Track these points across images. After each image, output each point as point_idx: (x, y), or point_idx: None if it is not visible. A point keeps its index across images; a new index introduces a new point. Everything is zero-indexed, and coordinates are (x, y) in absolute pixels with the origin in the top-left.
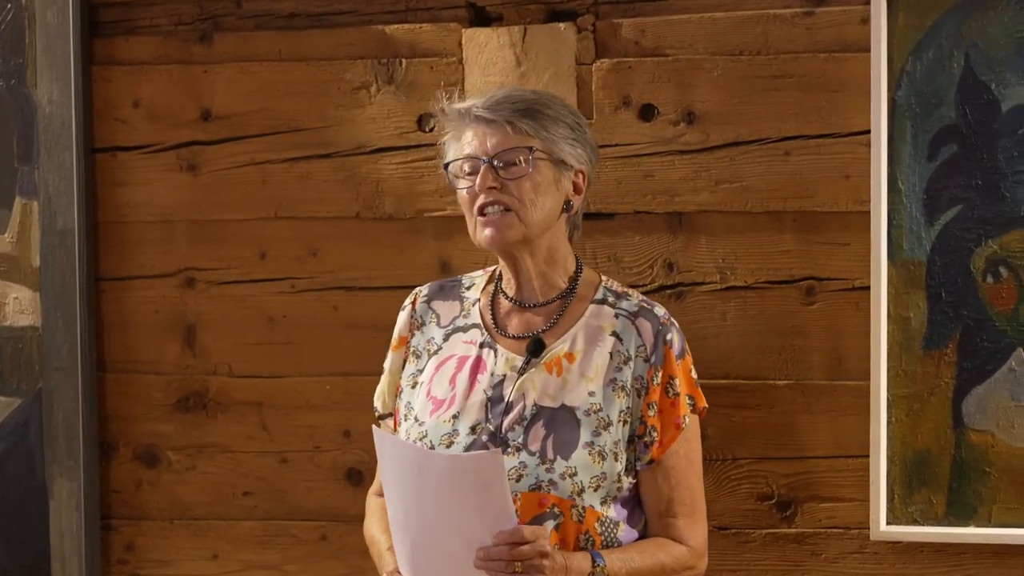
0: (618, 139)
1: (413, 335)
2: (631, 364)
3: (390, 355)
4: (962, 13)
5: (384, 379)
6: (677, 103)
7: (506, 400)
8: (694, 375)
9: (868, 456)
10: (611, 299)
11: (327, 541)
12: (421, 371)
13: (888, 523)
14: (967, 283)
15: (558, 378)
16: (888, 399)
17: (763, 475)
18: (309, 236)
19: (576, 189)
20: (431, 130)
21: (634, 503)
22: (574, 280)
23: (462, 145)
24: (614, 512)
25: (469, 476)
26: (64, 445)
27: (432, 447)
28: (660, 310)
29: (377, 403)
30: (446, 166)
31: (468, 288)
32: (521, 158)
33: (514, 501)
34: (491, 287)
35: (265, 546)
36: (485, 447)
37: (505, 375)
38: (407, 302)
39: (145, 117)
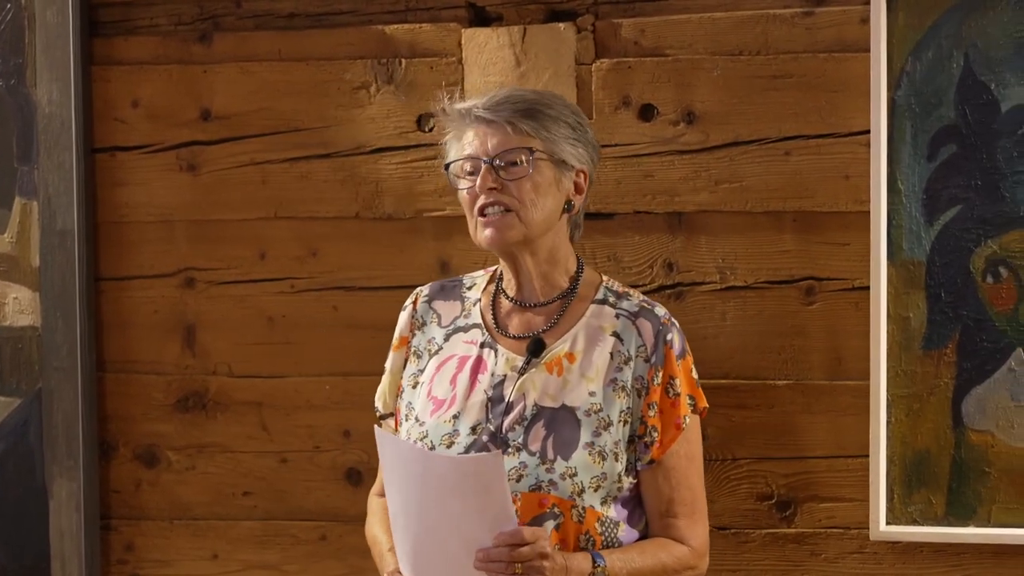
0: (618, 139)
1: (414, 335)
2: (631, 364)
3: (391, 355)
4: (961, 13)
5: (385, 379)
6: (677, 103)
7: (506, 400)
8: (695, 375)
9: (868, 456)
10: (612, 299)
11: (327, 541)
12: (422, 371)
13: (888, 523)
14: (967, 283)
15: (558, 378)
16: (888, 399)
17: (763, 475)
18: (309, 236)
19: (577, 189)
20: (431, 130)
21: (635, 503)
22: (575, 280)
23: (463, 145)
24: (614, 512)
25: (469, 477)
26: (64, 445)
27: (433, 447)
28: (661, 310)
29: (378, 403)
30: (447, 166)
31: (469, 288)
32: (522, 159)
33: (514, 501)
34: (492, 287)
35: (265, 546)
36: (485, 447)
37: (506, 375)
38: (408, 302)
39: (145, 117)
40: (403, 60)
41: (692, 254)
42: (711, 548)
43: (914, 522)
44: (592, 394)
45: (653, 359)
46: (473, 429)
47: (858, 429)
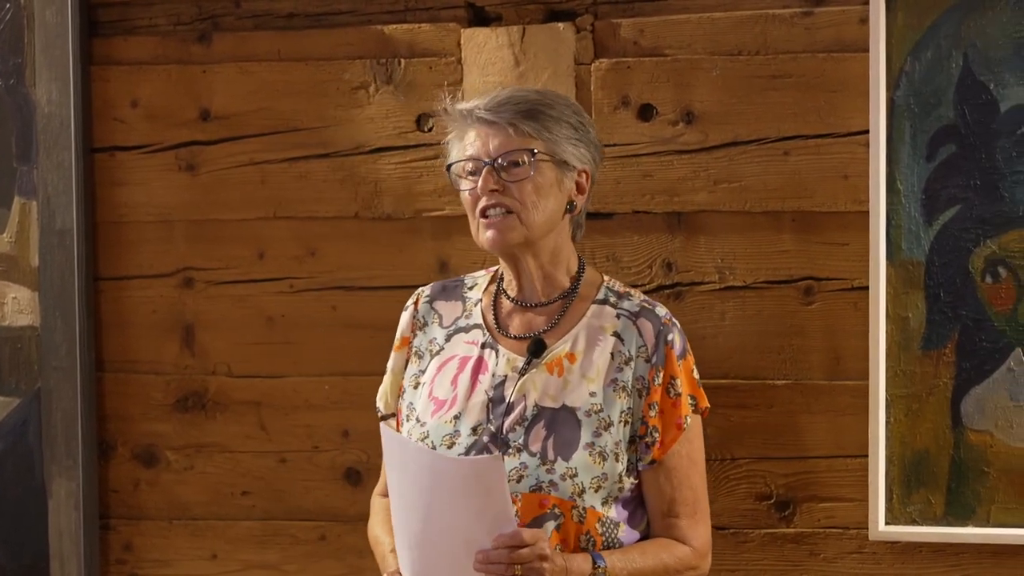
0: (617, 139)
1: (415, 335)
2: (632, 364)
3: (392, 355)
4: (961, 13)
5: (386, 379)
6: (676, 103)
7: (507, 401)
8: (696, 375)
9: (867, 456)
10: (613, 299)
11: (326, 541)
12: (423, 371)
13: (887, 523)
14: (966, 283)
15: (559, 379)
16: (887, 399)
17: (762, 475)
18: (308, 236)
19: (579, 189)
20: (430, 130)
21: (636, 504)
22: (576, 280)
23: (464, 146)
24: (615, 513)
25: (470, 479)
26: (63, 445)
27: (433, 447)
28: (662, 310)
29: (380, 403)
30: (448, 167)
31: (470, 288)
32: (523, 159)
33: (515, 502)
34: (493, 287)
35: (264, 546)
36: (486, 448)
37: (506, 376)
38: (409, 302)
39: (144, 117)
40: (402, 60)
41: (691, 254)
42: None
43: (913, 522)
44: (593, 394)
45: (654, 359)
46: (474, 430)
47: (857, 429)
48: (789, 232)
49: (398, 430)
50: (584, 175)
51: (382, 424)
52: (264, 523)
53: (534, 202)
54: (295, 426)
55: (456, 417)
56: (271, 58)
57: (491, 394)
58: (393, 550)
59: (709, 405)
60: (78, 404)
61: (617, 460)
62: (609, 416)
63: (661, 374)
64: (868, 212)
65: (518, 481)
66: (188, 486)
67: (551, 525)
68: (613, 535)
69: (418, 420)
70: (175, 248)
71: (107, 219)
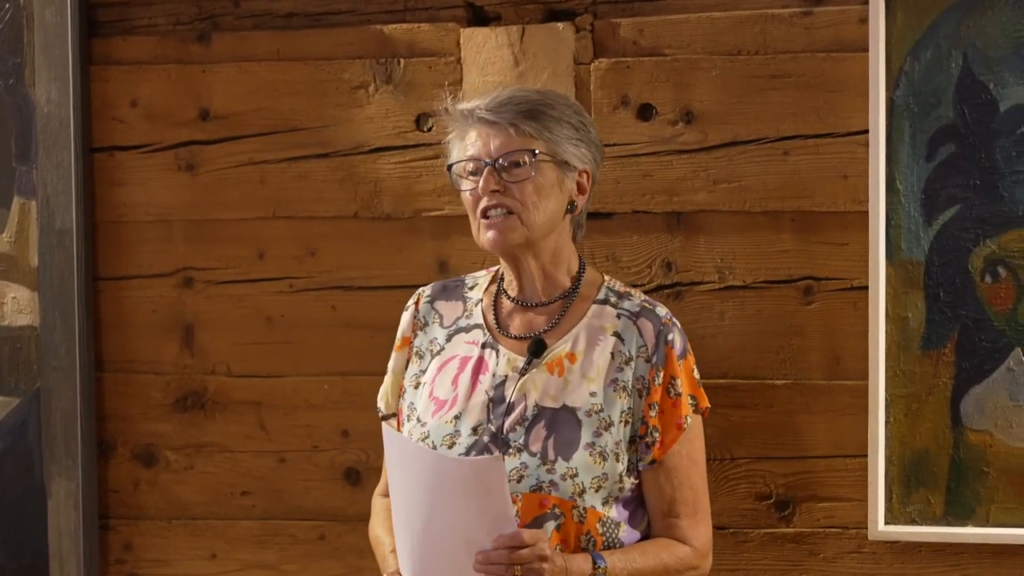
0: (616, 139)
1: (416, 335)
2: (632, 364)
3: (393, 355)
4: (960, 13)
5: (387, 379)
6: (675, 103)
7: (507, 401)
8: (697, 375)
9: (866, 456)
10: (613, 299)
11: (325, 541)
12: (424, 371)
13: (886, 523)
14: (965, 283)
15: (559, 379)
16: (886, 399)
17: (761, 475)
18: (307, 236)
19: (580, 189)
20: (429, 130)
21: (636, 504)
22: (577, 280)
23: (466, 146)
24: (616, 513)
25: (470, 479)
26: (62, 445)
27: (434, 447)
28: (662, 310)
29: (380, 403)
30: (449, 167)
31: (471, 288)
32: (524, 160)
33: (515, 502)
34: (494, 287)
35: (263, 546)
36: (486, 448)
37: (507, 376)
38: (410, 302)
39: (143, 117)
40: (401, 60)
41: (690, 254)
42: None
43: (912, 522)
44: (593, 394)
45: (654, 359)
46: (474, 430)
47: (857, 429)
48: (789, 232)
49: (399, 430)
50: (585, 175)
51: (383, 424)
52: (263, 523)
53: (535, 202)
54: (295, 426)
55: (457, 417)
56: (270, 58)
57: (491, 394)
58: (394, 550)
59: (709, 405)
60: (77, 404)
61: (617, 460)
62: (609, 416)
63: (661, 374)
64: (868, 212)
65: (518, 481)
66: (188, 486)
67: (551, 525)
68: (614, 535)
69: (419, 420)
70: (174, 248)
71: (106, 219)
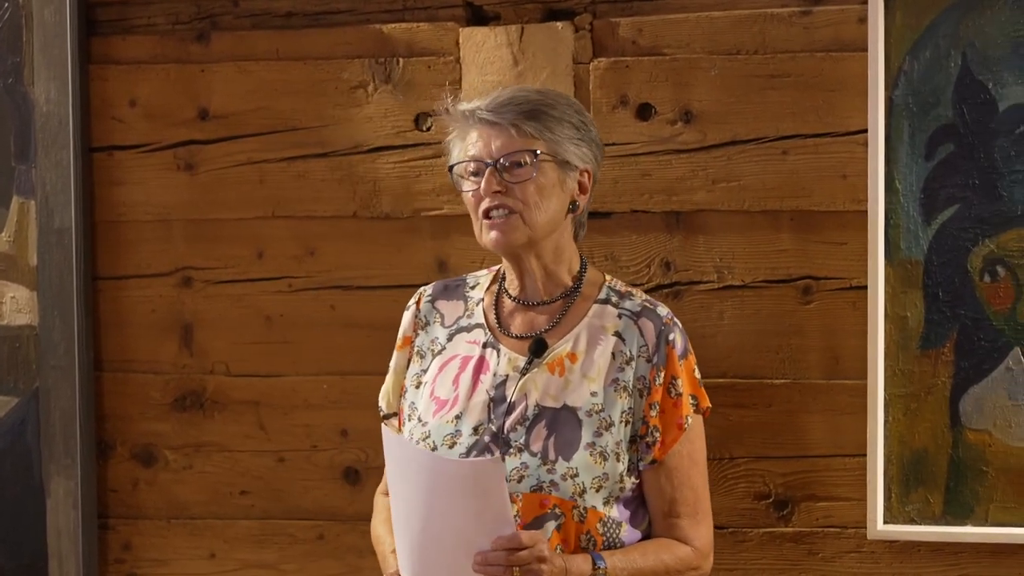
0: (615, 138)
1: (417, 335)
2: (633, 364)
3: (395, 354)
4: (959, 12)
5: (389, 379)
6: (674, 102)
7: (508, 400)
8: (697, 375)
9: (865, 455)
10: (614, 299)
11: (324, 540)
12: (425, 371)
13: (885, 522)
14: (964, 282)
15: (560, 378)
16: (885, 398)
17: (760, 474)
18: (306, 235)
19: (581, 189)
20: (428, 129)
21: (637, 504)
22: (578, 279)
23: (467, 146)
24: (616, 513)
25: (469, 481)
26: (61, 444)
27: (435, 447)
28: (663, 310)
29: (382, 403)
30: (451, 168)
31: (472, 288)
32: (526, 160)
33: (515, 502)
34: (495, 287)
35: (262, 545)
36: (487, 448)
37: (508, 375)
38: (411, 302)
39: (142, 116)
40: (401, 59)
41: (689, 253)
42: None
43: (911, 521)
44: (594, 394)
45: (655, 359)
46: (475, 429)
47: (855, 428)
48: (787, 231)
49: (400, 429)
50: (586, 174)
51: (383, 425)
52: (262, 522)
53: (537, 203)
54: (293, 425)
55: (457, 417)
56: (269, 57)
57: (492, 394)
58: (394, 550)
59: (710, 405)
60: (76, 403)
61: (618, 460)
62: (610, 416)
63: (662, 374)
64: (867, 211)
65: (519, 481)
66: (186, 485)
67: (552, 525)
68: (615, 535)
69: (420, 420)
70: (173, 247)
71: (105, 218)
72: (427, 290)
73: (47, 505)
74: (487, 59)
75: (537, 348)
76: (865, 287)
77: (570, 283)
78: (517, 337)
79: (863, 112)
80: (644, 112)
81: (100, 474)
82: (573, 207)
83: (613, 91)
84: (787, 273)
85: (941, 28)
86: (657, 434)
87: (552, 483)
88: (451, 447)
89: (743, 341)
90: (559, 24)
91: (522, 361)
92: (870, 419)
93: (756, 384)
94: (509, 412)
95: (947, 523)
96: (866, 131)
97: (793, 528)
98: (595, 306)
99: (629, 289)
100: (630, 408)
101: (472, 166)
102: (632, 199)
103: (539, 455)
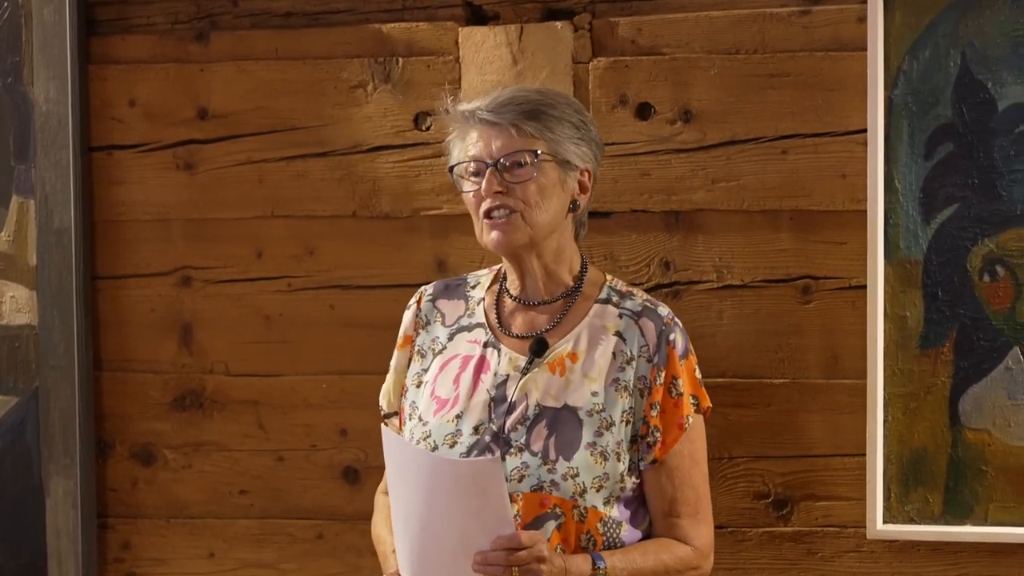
0: (615, 138)
1: (418, 334)
2: (634, 364)
3: (395, 354)
4: (958, 12)
5: (389, 378)
6: (674, 102)
7: (509, 400)
8: (698, 375)
9: (864, 455)
10: (615, 299)
11: (323, 540)
12: (426, 370)
13: (884, 522)
14: (964, 282)
15: (561, 378)
16: (884, 398)
17: (759, 474)
18: (305, 235)
19: (582, 188)
20: (428, 129)
21: (638, 503)
22: (579, 279)
23: (467, 146)
24: (617, 512)
25: (468, 481)
26: (60, 443)
27: (436, 447)
28: (664, 310)
29: (382, 402)
30: (451, 168)
31: (473, 287)
32: (526, 160)
33: (516, 501)
34: (496, 286)
35: (261, 545)
36: (488, 447)
37: (508, 375)
38: (412, 301)
39: (141, 116)
40: (400, 59)
41: (689, 253)
42: None
43: (911, 521)
44: (594, 394)
45: (656, 359)
46: (476, 429)
47: (855, 428)
48: (787, 231)
49: (400, 429)
50: (587, 174)
51: (382, 425)
52: (262, 522)
53: (538, 202)
54: (293, 425)
55: (458, 416)
56: (269, 57)
57: (493, 393)
58: (395, 550)
59: (711, 405)
60: (76, 403)
61: (619, 460)
62: (611, 416)
63: (663, 374)
64: (866, 211)
65: (519, 481)
66: (186, 485)
67: (552, 525)
68: (615, 535)
69: (420, 419)
70: (173, 247)
71: (105, 218)
72: (428, 289)
73: (46, 504)
74: (486, 59)
75: (538, 348)
76: (864, 287)
77: (571, 283)
78: (518, 337)
79: (862, 112)
80: (643, 111)
81: (99, 473)
82: (574, 207)
83: (612, 90)
84: (786, 273)
85: (940, 28)
86: (658, 434)
87: (553, 483)
88: (452, 446)
89: (742, 341)
90: (558, 24)
91: (523, 361)
92: (869, 419)
93: (755, 384)
94: (510, 412)
95: (946, 523)
96: (865, 131)
97: (792, 528)
98: (596, 306)
99: (630, 289)
100: (631, 408)
101: (473, 166)
102: (631, 199)
103: (540, 455)
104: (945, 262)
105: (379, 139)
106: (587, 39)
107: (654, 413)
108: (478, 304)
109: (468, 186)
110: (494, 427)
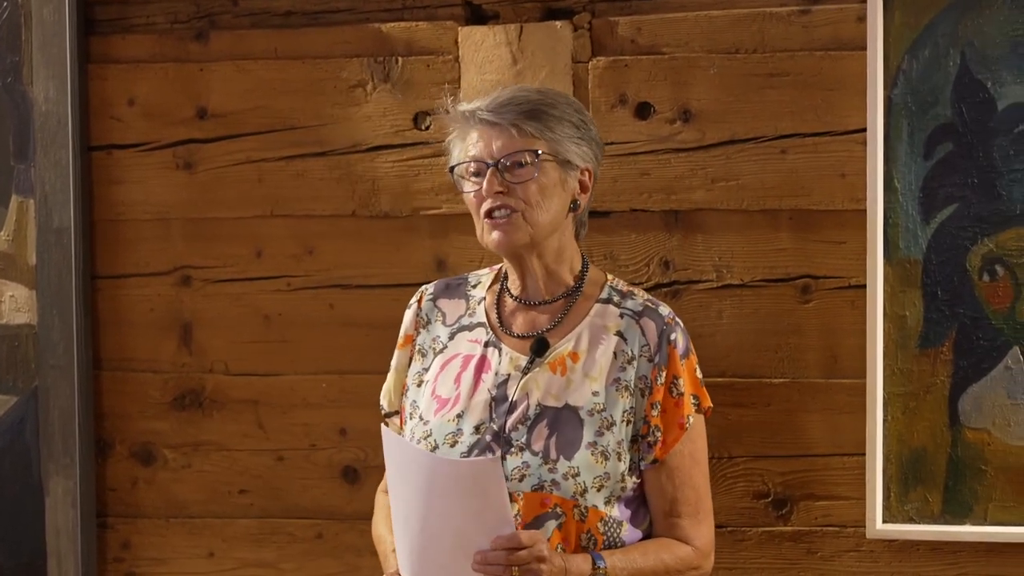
0: (614, 137)
1: (419, 333)
2: (635, 364)
3: (396, 353)
4: (958, 12)
5: (390, 377)
6: (673, 101)
7: (510, 399)
8: (699, 375)
9: (864, 454)
10: (616, 298)
11: (323, 539)
12: (427, 370)
13: (884, 521)
14: (963, 281)
15: (562, 378)
16: (884, 397)
17: (759, 473)
18: (305, 234)
19: (582, 188)
20: (427, 128)
21: (638, 503)
22: (580, 278)
23: (467, 146)
24: (618, 512)
25: (468, 481)
26: (60, 443)
27: (436, 446)
28: (665, 309)
29: (383, 401)
30: (451, 168)
31: (474, 287)
32: (527, 160)
33: (516, 501)
34: (497, 286)
35: (261, 544)
36: (489, 447)
37: (509, 374)
38: (413, 300)
39: (141, 115)
40: (399, 58)
41: (688, 252)
42: None
43: (910, 520)
44: (595, 394)
45: (656, 359)
46: (477, 428)
47: (854, 427)
48: (786, 230)
49: (401, 428)
50: (587, 173)
51: (382, 425)
52: (261, 521)
53: (539, 202)
54: (292, 424)
55: (459, 416)
56: (268, 56)
57: (494, 393)
58: (395, 550)
59: (712, 404)
60: (75, 402)
61: (619, 459)
62: (611, 415)
63: (664, 373)
64: (865, 210)
65: (520, 480)
66: (185, 484)
67: (552, 524)
68: (615, 534)
69: (421, 418)
70: (172, 246)
71: (104, 217)
72: (428, 289)
73: (46, 504)
74: (486, 58)
75: (539, 347)
76: (864, 286)
77: (572, 282)
78: (519, 336)
79: (862, 111)
80: (643, 111)
81: (99, 473)
82: (574, 206)
83: (612, 90)
84: (786, 272)
85: (940, 27)
86: (659, 434)
87: (553, 482)
88: (452, 446)
89: (742, 340)
90: (558, 23)
91: (524, 360)
92: (869, 418)
93: (755, 383)
94: (511, 411)
95: (946, 522)
96: (865, 130)
97: (792, 527)
98: (597, 305)
99: (631, 288)
100: (631, 407)
101: (473, 167)
102: (631, 198)
103: (540, 454)
104: (944, 262)
105: (378, 139)
106: (587, 38)
107: (655, 413)
108: (479, 303)
109: (469, 186)
110: (495, 427)
